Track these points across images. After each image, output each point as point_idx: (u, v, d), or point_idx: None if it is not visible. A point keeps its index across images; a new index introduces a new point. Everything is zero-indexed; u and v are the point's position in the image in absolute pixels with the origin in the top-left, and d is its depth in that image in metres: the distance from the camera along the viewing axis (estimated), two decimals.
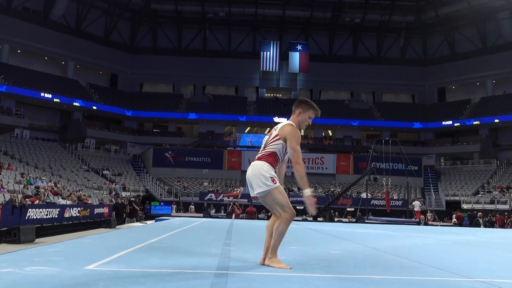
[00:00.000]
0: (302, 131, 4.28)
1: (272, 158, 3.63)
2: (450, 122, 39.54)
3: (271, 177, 3.51)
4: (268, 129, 42.86)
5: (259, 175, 3.53)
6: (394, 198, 30.05)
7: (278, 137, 3.64)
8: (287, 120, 3.79)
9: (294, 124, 3.70)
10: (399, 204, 29.01)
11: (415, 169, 32.01)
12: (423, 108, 43.36)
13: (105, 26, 42.51)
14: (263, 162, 3.60)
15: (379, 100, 45.27)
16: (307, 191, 3.56)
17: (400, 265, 4.15)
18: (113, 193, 26.53)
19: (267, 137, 3.77)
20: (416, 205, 25.39)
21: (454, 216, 25.09)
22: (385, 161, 26.64)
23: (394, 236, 9.05)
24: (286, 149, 3.64)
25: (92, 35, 41.03)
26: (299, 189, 32.95)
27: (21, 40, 36.33)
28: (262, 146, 3.74)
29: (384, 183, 24.68)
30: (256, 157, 3.72)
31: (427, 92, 44.98)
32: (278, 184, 3.55)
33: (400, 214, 26.28)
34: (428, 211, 26.91)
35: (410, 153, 35.44)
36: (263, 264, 3.58)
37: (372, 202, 28.86)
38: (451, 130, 40.47)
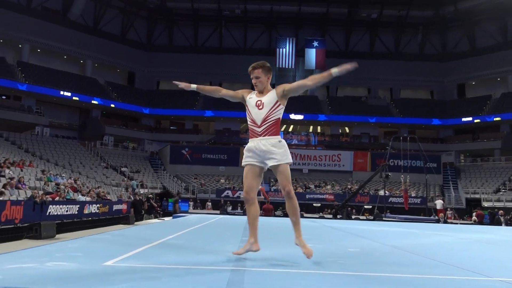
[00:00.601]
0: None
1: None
2: (470, 119, 38.83)
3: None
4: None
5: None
6: (413, 195, 29.70)
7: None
8: (271, 88, 3.83)
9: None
10: (418, 202, 28.65)
11: (434, 166, 31.53)
12: (442, 104, 42.67)
13: (122, 24, 42.98)
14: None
15: (397, 97, 44.72)
16: (334, 69, 3.64)
17: (419, 263, 4.09)
18: (130, 189, 26.87)
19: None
20: (439, 203, 25.00)
21: (474, 214, 24.65)
22: (403, 158, 26.28)
23: (413, 234, 8.94)
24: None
25: (109, 33, 41.54)
26: (315, 186, 32.85)
27: (40, 39, 36.97)
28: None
29: (402, 180, 24.39)
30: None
31: (446, 88, 44.24)
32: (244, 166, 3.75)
33: (419, 212, 25.95)
34: (448, 209, 26.50)
35: (429, 150, 34.95)
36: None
37: (390, 199, 28.55)
38: (471, 127, 39.72)
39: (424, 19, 43.84)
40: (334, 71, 3.54)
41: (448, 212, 25.62)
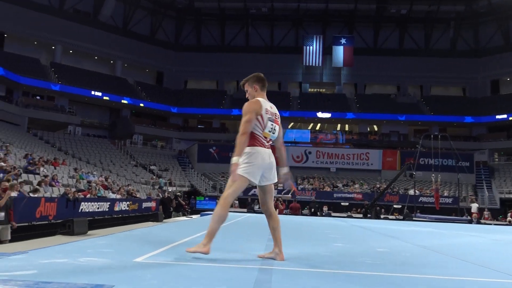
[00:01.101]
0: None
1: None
2: (505, 116, 37.55)
3: None
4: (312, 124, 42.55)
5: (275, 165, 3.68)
6: (444, 195, 29.00)
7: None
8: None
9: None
10: (449, 202, 27.95)
11: (467, 165, 30.70)
12: (474, 101, 41.46)
13: (151, 25, 43.69)
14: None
15: (427, 94, 43.75)
16: (234, 159, 3.48)
17: (449, 264, 3.99)
18: (157, 187, 27.30)
19: (277, 126, 3.70)
20: (474, 207, 24.27)
21: (509, 214, 23.86)
22: (434, 157, 25.71)
23: (444, 234, 8.73)
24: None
25: (138, 34, 42.31)
26: (343, 185, 32.51)
27: (72, 40, 38.02)
28: (274, 136, 3.69)
29: (433, 179, 23.84)
30: (268, 146, 3.69)
31: (479, 84, 42.95)
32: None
33: (450, 212, 25.31)
34: (486, 209, 25.73)
35: (461, 148, 34.04)
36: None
37: (420, 199, 27.96)
38: (505, 124, 38.38)
39: (455, 14, 42.68)
40: (233, 160, 3.48)
41: (485, 212, 24.92)
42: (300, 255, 4.10)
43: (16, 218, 9.77)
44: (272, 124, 3.63)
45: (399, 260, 4.11)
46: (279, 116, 3.72)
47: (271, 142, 3.69)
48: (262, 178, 3.64)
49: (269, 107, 3.65)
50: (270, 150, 3.65)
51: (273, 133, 3.65)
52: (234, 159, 3.44)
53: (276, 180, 3.67)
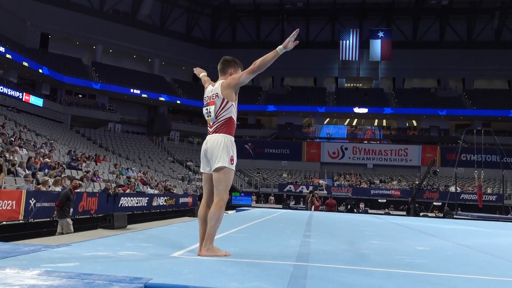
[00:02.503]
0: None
1: (230, 125, 3.46)
2: None
3: (231, 156, 3.39)
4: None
5: (224, 148, 3.35)
6: (488, 192, 27.93)
7: (225, 101, 3.46)
8: (218, 82, 3.58)
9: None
10: (493, 199, 26.92)
11: None
12: None
13: (187, 23, 44.29)
14: (225, 135, 3.41)
15: (469, 87, 42.18)
16: (280, 48, 3.34)
17: (495, 264, 3.83)
18: (187, 180, 27.93)
19: (211, 107, 3.49)
20: None
21: None
22: (477, 153, 24.75)
23: (488, 233, 8.39)
24: (236, 105, 3.52)
25: (175, 32, 43.00)
26: (380, 181, 31.88)
27: (112, 40, 39.11)
28: (212, 116, 3.47)
29: (476, 176, 22.96)
30: (212, 130, 3.47)
31: None
32: (233, 166, 3.43)
33: (494, 210, 24.36)
34: None
35: (506, 144, 32.62)
36: (201, 255, 3.30)
37: (461, 196, 27.06)
38: None
39: (500, 3, 40.82)
40: (279, 47, 3.32)
41: None
42: (336, 251, 4.05)
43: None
44: (206, 109, 3.57)
45: (439, 259, 3.99)
46: (215, 95, 3.51)
47: (214, 126, 3.47)
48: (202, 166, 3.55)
49: (209, 90, 3.60)
50: (211, 136, 3.46)
51: (209, 116, 3.52)
52: (280, 47, 3.36)
53: (210, 169, 3.42)
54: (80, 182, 11.53)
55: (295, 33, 3.37)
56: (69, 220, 9.23)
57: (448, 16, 42.56)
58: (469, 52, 41.31)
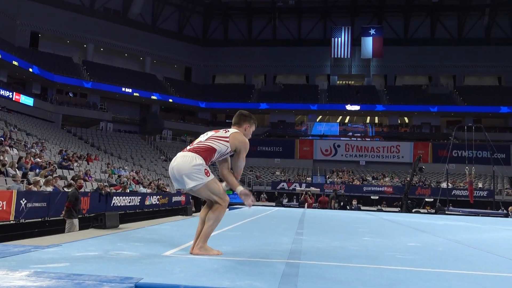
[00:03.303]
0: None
1: (208, 154, 3.36)
2: None
3: (205, 170, 3.30)
4: (340, 117, 42.11)
5: (191, 168, 3.25)
6: (479, 188, 28.18)
7: (227, 139, 3.42)
8: (234, 129, 3.57)
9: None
10: (484, 195, 27.15)
11: (503, 157, 29.68)
12: (511, 90, 39.94)
13: (179, 21, 44.12)
14: (195, 154, 3.33)
15: (460, 84, 42.50)
16: (239, 188, 3.39)
17: (485, 259, 3.86)
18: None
19: (212, 132, 3.52)
20: None
21: None
22: (468, 149, 24.97)
23: (479, 228, 8.47)
24: (227, 154, 3.51)
25: (166, 30, 42.82)
26: (373, 178, 32.04)
27: (103, 38, 38.87)
28: (203, 138, 3.47)
29: (467, 172, 23.17)
30: (188, 148, 3.42)
31: None
32: (212, 176, 3.36)
33: (485, 205, 24.58)
34: None
35: (497, 140, 32.91)
36: (193, 253, 3.32)
37: (453, 192, 27.29)
38: None
39: (491, 1, 41.15)
40: (239, 188, 3.38)
41: None
42: (328, 248, 4.06)
43: (51, 212, 10.11)
44: (206, 133, 3.60)
45: (430, 254, 4.01)
46: (225, 130, 3.55)
47: (194, 145, 3.44)
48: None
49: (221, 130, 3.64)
50: (182, 153, 3.42)
51: (202, 138, 3.52)
52: (239, 188, 3.40)
53: (184, 188, 3.37)
54: (83, 181, 11.53)
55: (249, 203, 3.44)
56: (75, 221, 9.35)
57: (439, 13, 42.80)
58: (459, 49, 41.60)
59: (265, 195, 28.68)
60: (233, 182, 3.46)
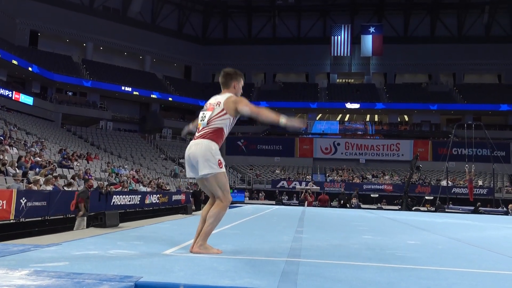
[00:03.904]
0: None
1: (218, 135, 3.42)
2: None
3: (218, 160, 3.35)
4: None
5: (207, 156, 3.32)
6: (479, 186, 28.18)
7: (224, 111, 3.43)
8: (224, 94, 3.55)
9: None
10: (484, 193, 27.16)
11: (502, 155, 29.72)
12: (511, 88, 39.92)
13: (178, 19, 44.07)
14: (210, 141, 3.38)
15: (460, 82, 42.47)
16: (283, 119, 3.32)
17: (486, 257, 3.86)
18: (172, 173, 28.10)
19: (208, 112, 3.48)
20: None
21: None
22: (468, 147, 24.96)
23: (479, 226, 8.48)
24: (235, 120, 3.49)
25: (166, 29, 42.77)
26: (373, 176, 32.05)
27: (103, 37, 38.82)
28: (204, 121, 3.45)
29: (467, 170, 23.19)
30: (199, 135, 3.45)
31: None
32: (224, 169, 3.40)
33: (485, 203, 24.59)
34: None
35: (497, 137, 32.92)
36: (193, 252, 3.31)
37: (453, 190, 27.30)
38: None
39: None
40: (282, 120, 3.32)
41: None
42: (328, 247, 4.06)
43: (51, 211, 10.10)
44: (202, 113, 3.55)
45: (430, 252, 4.01)
46: (217, 103, 3.49)
47: (202, 131, 3.44)
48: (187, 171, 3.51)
49: (212, 99, 3.58)
50: (195, 141, 3.44)
51: (202, 120, 3.50)
52: (282, 118, 3.33)
53: (196, 175, 3.39)
54: (93, 181, 11.65)
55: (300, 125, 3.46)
56: (84, 218, 9.63)
57: (439, 11, 42.76)
58: (459, 47, 41.57)
59: (263, 193, 28.74)
60: (273, 115, 3.38)
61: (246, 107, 3.43)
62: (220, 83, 3.65)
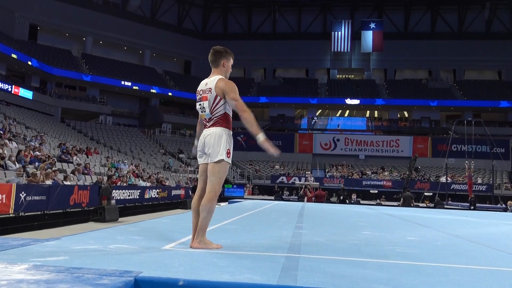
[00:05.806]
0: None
1: (227, 120, 3.44)
2: None
3: (227, 149, 3.37)
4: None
5: (222, 142, 3.36)
6: (478, 182, 28.22)
7: (219, 97, 3.42)
8: (214, 75, 3.55)
9: (224, 77, 3.53)
10: (483, 189, 27.20)
11: (502, 152, 29.71)
12: (511, 85, 39.90)
13: (178, 14, 43.92)
14: (223, 128, 3.40)
15: (460, 78, 42.42)
16: (261, 136, 3.30)
17: (486, 254, 3.86)
18: (167, 166, 28.27)
19: (205, 102, 3.47)
20: None
21: None
22: (467, 143, 25.00)
23: (478, 223, 8.48)
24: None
25: (166, 23, 42.63)
26: (372, 172, 32.06)
27: (102, 32, 38.70)
28: (207, 112, 3.44)
29: (466, 166, 23.23)
30: (209, 125, 3.45)
31: None
32: (229, 160, 3.42)
33: (484, 200, 24.63)
34: None
35: (496, 134, 32.92)
36: (193, 247, 3.30)
37: (452, 186, 27.33)
38: None
39: None
40: (260, 137, 3.30)
41: None
42: (327, 242, 4.06)
43: (51, 206, 10.09)
44: (199, 104, 3.53)
45: (430, 248, 4.01)
46: (208, 89, 3.48)
47: (211, 121, 3.45)
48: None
49: (203, 84, 3.57)
50: (209, 129, 3.45)
51: (203, 111, 3.50)
52: (260, 136, 3.31)
53: (207, 161, 3.42)
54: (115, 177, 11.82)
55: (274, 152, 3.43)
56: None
57: (439, 7, 42.64)
58: (460, 43, 41.50)
59: (257, 188, 28.88)
60: (255, 127, 3.33)
61: (233, 102, 3.39)
62: (210, 61, 3.65)
